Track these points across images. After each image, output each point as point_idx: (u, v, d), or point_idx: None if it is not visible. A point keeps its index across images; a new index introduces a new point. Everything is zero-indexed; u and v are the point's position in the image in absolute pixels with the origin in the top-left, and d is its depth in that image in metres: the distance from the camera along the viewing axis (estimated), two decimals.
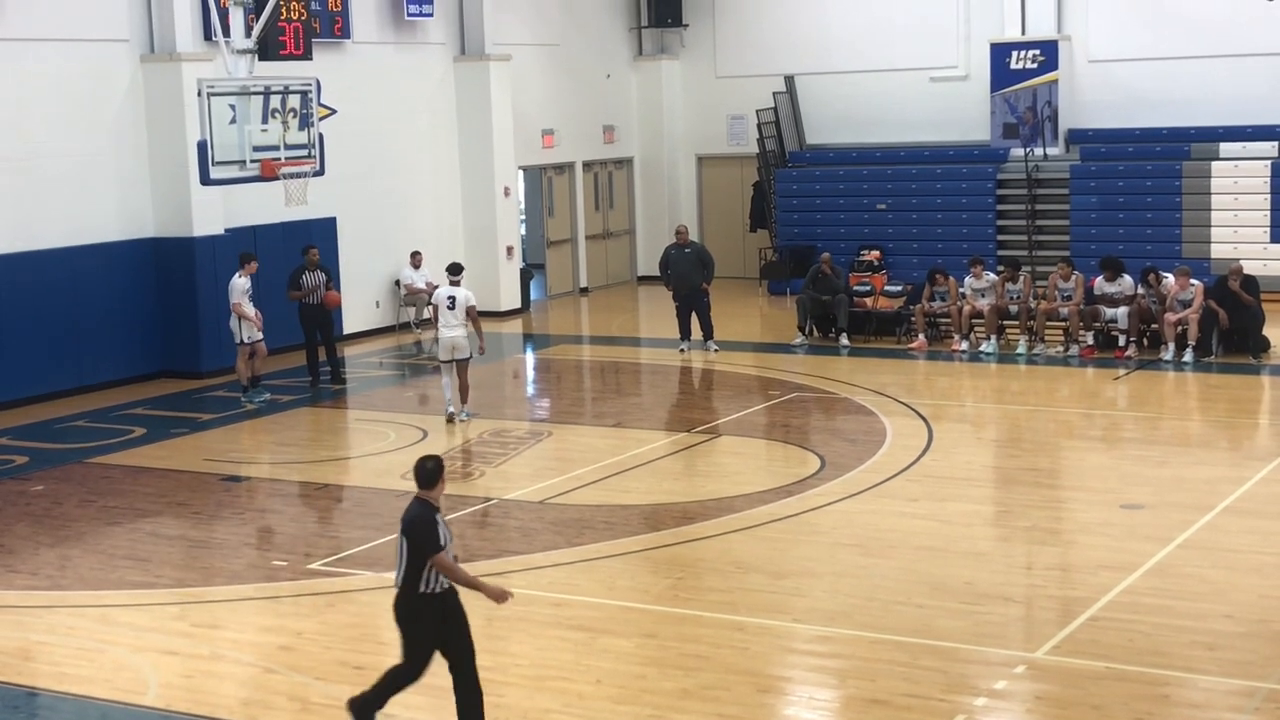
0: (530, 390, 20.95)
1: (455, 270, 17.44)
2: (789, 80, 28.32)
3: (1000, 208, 26.30)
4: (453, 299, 17.00)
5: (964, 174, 26.59)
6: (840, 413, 17.51)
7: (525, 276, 26.68)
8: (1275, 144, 24.57)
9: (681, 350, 21.39)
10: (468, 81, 25.56)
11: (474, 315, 17.12)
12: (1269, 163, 24.31)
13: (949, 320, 21.38)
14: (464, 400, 17.31)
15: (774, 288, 27.31)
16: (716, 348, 21.26)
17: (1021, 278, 21.16)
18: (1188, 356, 19.41)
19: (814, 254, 24.01)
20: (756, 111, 28.08)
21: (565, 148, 28.33)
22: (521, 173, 27.45)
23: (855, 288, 22.64)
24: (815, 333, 22.13)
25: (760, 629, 10.34)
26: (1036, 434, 16.48)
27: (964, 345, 20.84)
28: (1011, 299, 20.94)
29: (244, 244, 21.60)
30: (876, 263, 24.90)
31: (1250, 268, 20.94)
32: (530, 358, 23.13)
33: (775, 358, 20.94)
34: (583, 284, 28.89)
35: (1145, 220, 24.91)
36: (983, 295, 21.01)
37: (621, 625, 10.51)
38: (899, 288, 22.57)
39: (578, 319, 26.35)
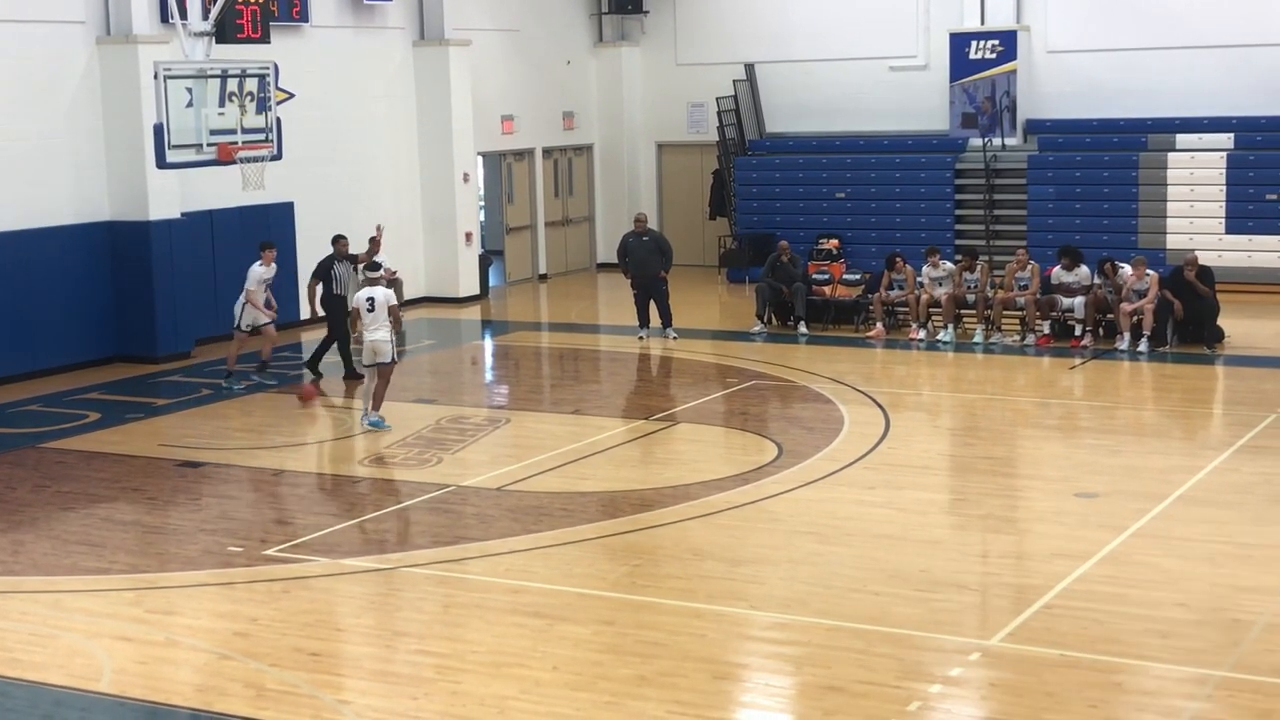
0: (488, 377, 20.92)
1: (373, 269, 16.71)
2: (749, 68, 28.33)
3: (958, 197, 26.39)
4: (372, 300, 16.03)
5: (922, 163, 26.68)
6: (798, 401, 17.55)
7: (484, 263, 26.61)
8: (1231, 135, 24.77)
9: (640, 338, 21.39)
10: (427, 66, 25.45)
11: (396, 315, 16.24)
12: (1224, 154, 24.50)
13: (907, 309, 21.46)
14: (376, 406, 16.25)
15: (733, 276, 27.34)
16: (675, 335, 21.27)
17: (979, 267, 21.25)
18: (1143, 346, 19.54)
19: (773, 242, 24.04)
20: (717, 99, 28.08)
21: (525, 134, 28.25)
22: (481, 159, 27.36)
23: (814, 276, 22.68)
24: (774, 321, 22.16)
25: (717, 616, 10.36)
26: (993, 423, 16.56)
27: (921, 334, 20.92)
28: (969, 288, 21.04)
29: (200, 229, 21.50)
30: (835, 251, 24.96)
31: (1205, 258, 21.10)
32: (489, 344, 23.09)
33: (734, 345, 20.97)
34: (542, 270, 28.84)
35: (1102, 210, 25.07)
36: (940, 284, 21.10)
37: (579, 612, 10.51)
38: (857, 276, 22.63)
39: (536, 306, 26.31)
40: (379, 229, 20.55)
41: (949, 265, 21.36)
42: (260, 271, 18.62)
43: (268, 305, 18.78)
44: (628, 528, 12.52)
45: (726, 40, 28.72)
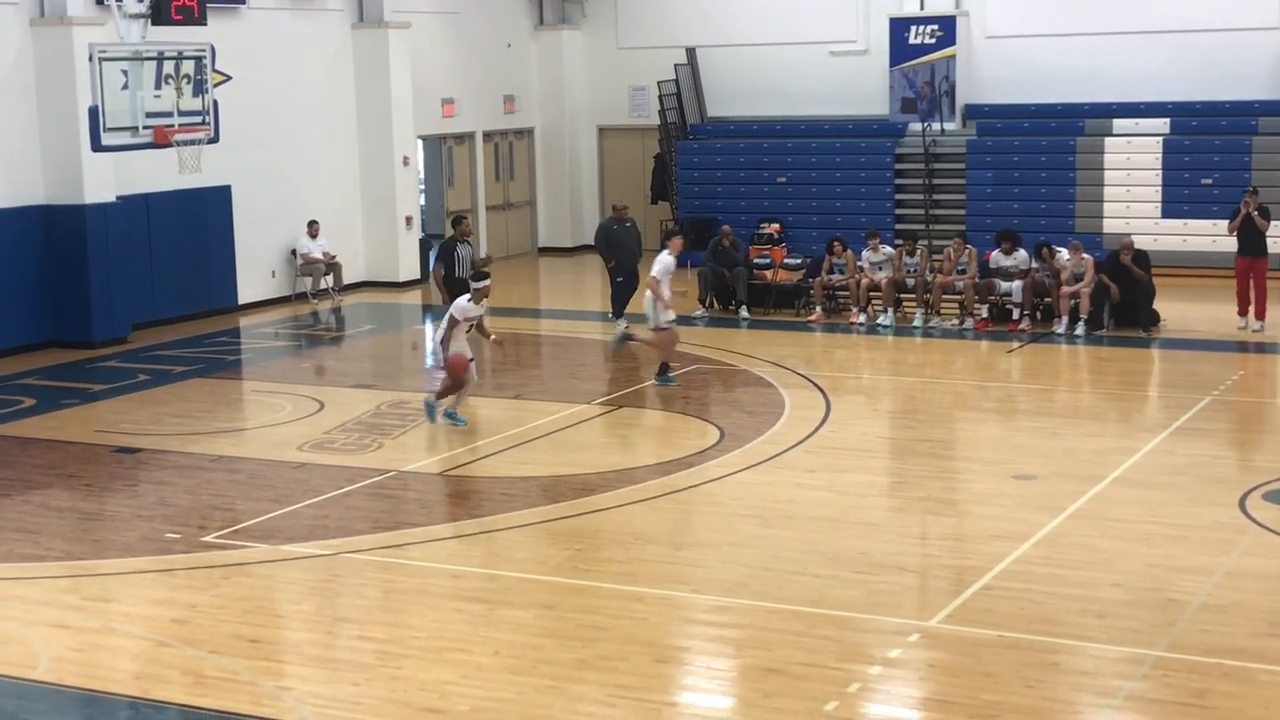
0: (429, 362, 20.82)
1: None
2: (690, 52, 28.33)
3: (898, 181, 26.52)
4: None
5: (863, 148, 26.78)
6: (739, 384, 17.59)
7: (424, 247, 26.48)
8: (1167, 120, 25.01)
9: (623, 327, 20.80)
10: (366, 49, 25.28)
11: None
12: (1160, 139, 24.74)
13: (847, 293, 21.55)
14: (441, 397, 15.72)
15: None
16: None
17: (918, 251, 21.37)
18: (1080, 330, 19.72)
19: (715, 226, 24.07)
20: (658, 83, 28.06)
21: (465, 117, 28.13)
22: (421, 142, 27.22)
23: (755, 260, 22.73)
24: (715, 305, 22.20)
25: (659, 599, 10.39)
26: (932, 406, 16.67)
27: (861, 318, 21.02)
28: (908, 272, 21.15)
29: (136, 212, 21.27)
30: (776, 235, 25.02)
31: (1141, 242, 21.29)
32: (429, 329, 22.99)
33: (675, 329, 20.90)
34: (483, 254, 28.69)
35: (1039, 195, 25.26)
36: (880, 268, 21.20)
37: (520, 597, 10.50)
38: (798, 260, 22.69)
39: None
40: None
41: (889, 249, 21.47)
42: (668, 262, 17.60)
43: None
44: (569, 512, 12.52)
45: (668, 24, 28.71)
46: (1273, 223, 20.21)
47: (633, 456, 14.34)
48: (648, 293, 17.43)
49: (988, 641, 9.44)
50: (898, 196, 26.49)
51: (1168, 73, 25.32)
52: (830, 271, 21.69)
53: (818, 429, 15.16)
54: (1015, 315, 20.39)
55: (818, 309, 21.41)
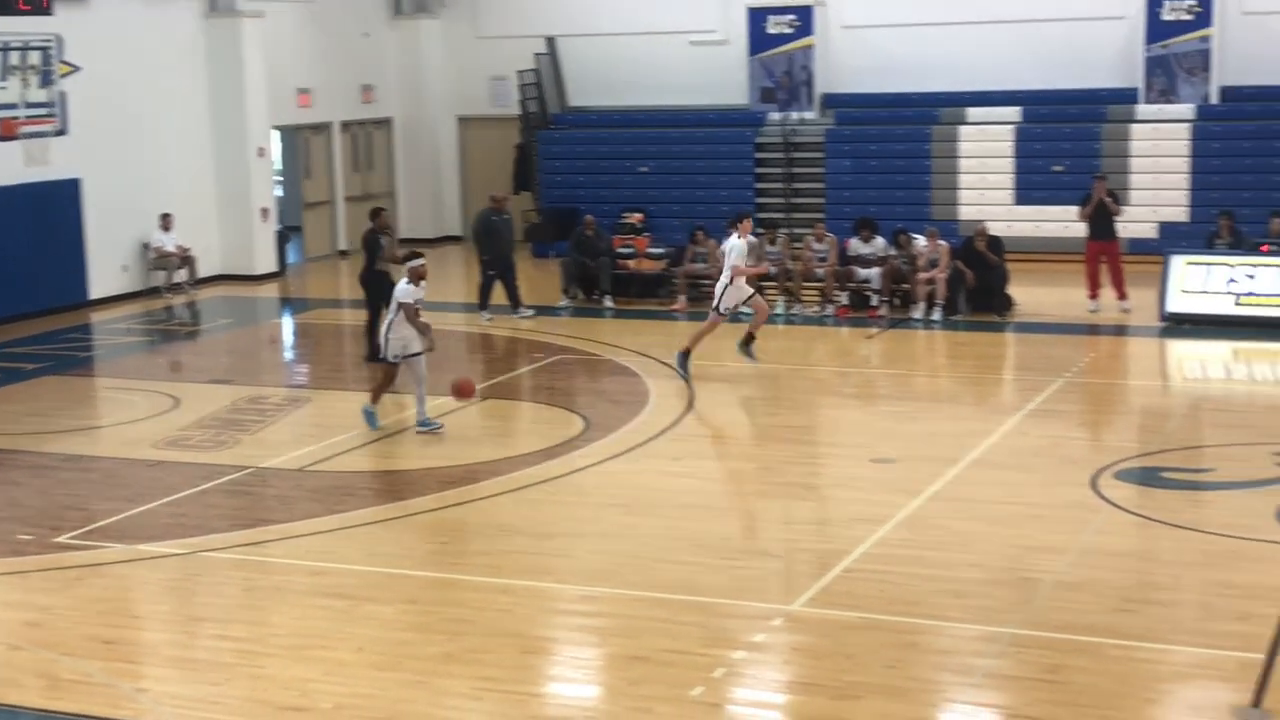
0: (288, 356, 20.54)
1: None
2: (550, 41, 28.25)
3: (759, 170, 26.71)
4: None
5: (724, 137, 26.93)
6: (604, 374, 17.61)
7: (281, 239, 26.11)
8: (1019, 109, 25.50)
9: (487, 320, 20.79)
10: (218, 39, 24.81)
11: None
12: (1013, 127, 25.22)
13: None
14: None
15: (538, 250, 27.25)
16: (532, 313, 20.84)
17: (779, 239, 21.54)
18: (937, 315, 20.04)
19: (578, 216, 24.04)
20: (518, 72, 27.95)
21: (322, 108, 27.76)
22: (277, 133, 26.81)
23: (618, 250, 22.75)
24: (579, 295, 22.18)
25: (525, 591, 10.36)
26: (794, 392, 16.83)
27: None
28: (769, 260, 21.30)
29: None
30: (639, 225, 25.06)
31: (995, 229, 21.70)
32: (288, 322, 22.67)
33: (539, 320, 20.89)
34: (342, 246, 28.41)
35: (897, 183, 25.61)
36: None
37: (384, 592, 10.41)
38: (661, 250, 22.77)
39: (337, 283, 25.93)
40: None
41: (751, 238, 21.55)
42: (740, 245, 17.02)
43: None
44: (434, 505, 12.43)
45: (527, 13, 28.60)
46: (1122, 208, 20.75)
47: (498, 448, 14.27)
48: (723, 277, 17.08)
49: (849, 623, 9.56)
50: (758, 185, 26.68)
51: (1019, 62, 25.82)
52: (693, 260, 21.79)
53: (682, 417, 15.23)
54: (874, 302, 20.66)
55: (681, 298, 21.51)
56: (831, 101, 26.91)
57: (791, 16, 26.63)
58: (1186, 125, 24.47)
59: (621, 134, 27.52)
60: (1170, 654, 9.08)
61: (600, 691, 8.90)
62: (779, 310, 20.85)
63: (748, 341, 17.26)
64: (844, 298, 20.89)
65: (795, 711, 8.59)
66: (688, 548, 11.12)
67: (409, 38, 29.34)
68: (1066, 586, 10.20)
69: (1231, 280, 19.33)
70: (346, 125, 28.51)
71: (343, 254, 28.23)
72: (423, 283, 14.74)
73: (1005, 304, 20.38)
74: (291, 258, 26.81)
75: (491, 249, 20.84)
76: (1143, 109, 24.93)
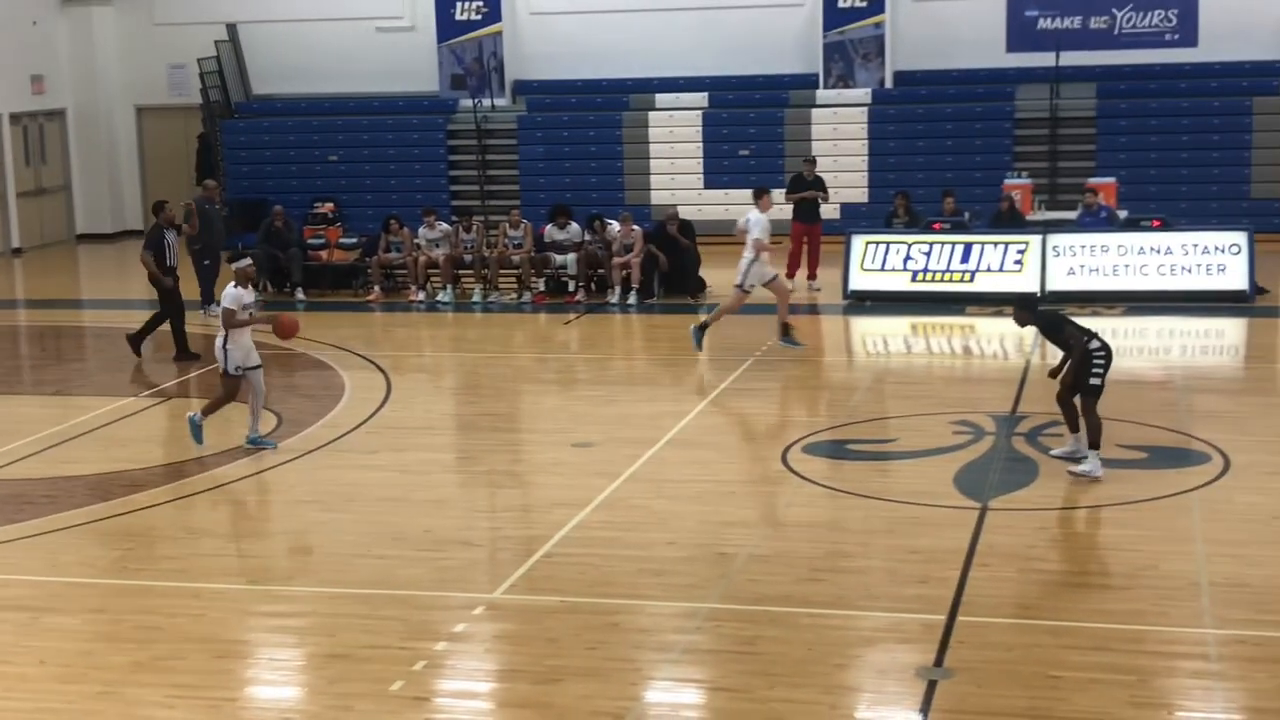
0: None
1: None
2: (231, 28, 27.48)
3: (452, 158, 26.59)
4: None
5: (415, 124, 26.70)
6: (298, 369, 17.23)
7: None
8: (705, 95, 26.03)
9: (210, 314, 19.79)
10: None
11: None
12: (700, 113, 25.74)
13: (405, 271, 21.45)
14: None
15: (225, 243, 26.44)
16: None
17: (475, 227, 21.48)
18: (632, 299, 20.31)
19: (266, 207, 23.47)
20: (198, 60, 27.09)
21: None
22: None
23: (309, 241, 22.33)
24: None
25: (216, 594, 10.04)
26: (493, 380, 16.81)
27: (421, 295, 20.97)
28: (466, 248, 21.23)
29: None
30: (330, 215, 24.63)
31: (686, 212, 22.15)
32: None
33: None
34: (15, 245, 27.07)
35: (589, 169, 25.86)
36: (437, 245, 21.19)
37: (67, 602, 9.95)
38: (354, 240, 22.44)
39: (11, 282, 24.69)
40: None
41: (445, 226, 21.49)
42: (763, 220, 16.58)
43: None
44: (119, 510, 11.94)
45: None
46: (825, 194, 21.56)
47: (185, 449, 13.77)
48: (747, 253, 16.61)
49: (550, 608, 9.59)
50: (452, 173, 26.56)
51: (704, 48, 26.34)
52: (387, 250, 21.53)
53: (379, 409, 15.02)
54: (571, 287, 20.80)
55: (376, 288, 21.24)
56: (523, 88, 26.95)
57: (479, 3, 26.57)
58: (863, 109, 25.39)
59: (309, 122, 27.00)
60: (858, 619, 9.39)
61: (298, 692, 8.69)
62: (476, 299, 20.79)
63: (785, 332, 17.03)
64: (541, 284, 20.97)
65: (497, 699, 8.56)
66: (387, 541, 10.97)
67: (81, 25, 28.14)
68: (760, 559, 10.45)
69: (909, 258, 20.14)
70: (16, 117, 27.19)
71: (17, 252, 26.90)
72: (250, 285, 13.80)
73: (698, 286, 20.77)
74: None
75: (204, 239, 20.18)
76: (822, 94, 25.76)
